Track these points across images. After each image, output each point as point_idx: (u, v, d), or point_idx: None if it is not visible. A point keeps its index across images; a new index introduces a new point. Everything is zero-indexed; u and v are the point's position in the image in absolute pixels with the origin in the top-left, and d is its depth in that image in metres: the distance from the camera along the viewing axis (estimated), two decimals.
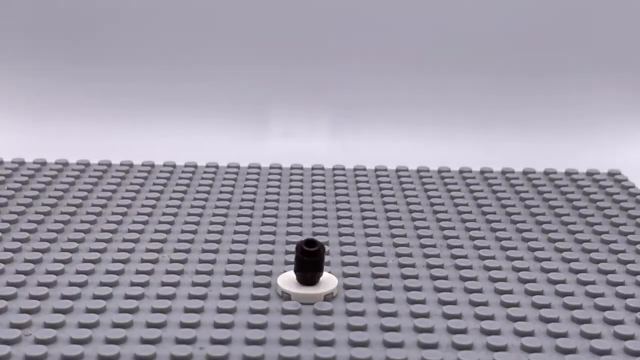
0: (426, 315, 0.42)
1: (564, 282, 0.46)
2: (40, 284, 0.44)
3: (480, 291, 0.45)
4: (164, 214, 0.54)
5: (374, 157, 0.68)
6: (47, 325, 0.40)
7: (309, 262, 0.43)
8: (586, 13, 0.76)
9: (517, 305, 0.43)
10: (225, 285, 0.45)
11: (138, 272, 0.46)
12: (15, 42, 0.76)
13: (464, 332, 0.41)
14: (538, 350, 0.39)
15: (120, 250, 0.49)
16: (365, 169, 0.65)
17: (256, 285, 0.45)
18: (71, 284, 0.44)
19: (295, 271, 0.44)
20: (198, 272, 0.46)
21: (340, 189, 0.60)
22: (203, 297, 0.43)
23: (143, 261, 0.47)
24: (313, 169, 0.65)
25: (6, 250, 0.48)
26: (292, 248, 0.48)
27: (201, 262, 0.47)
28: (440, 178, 0.64)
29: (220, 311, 0.42)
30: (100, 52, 0.76)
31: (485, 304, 0.43)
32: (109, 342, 0.39)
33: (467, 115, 0.76)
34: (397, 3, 0.76)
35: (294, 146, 0.74)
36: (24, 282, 0.44)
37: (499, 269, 0.48)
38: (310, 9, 0.76)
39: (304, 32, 0.76)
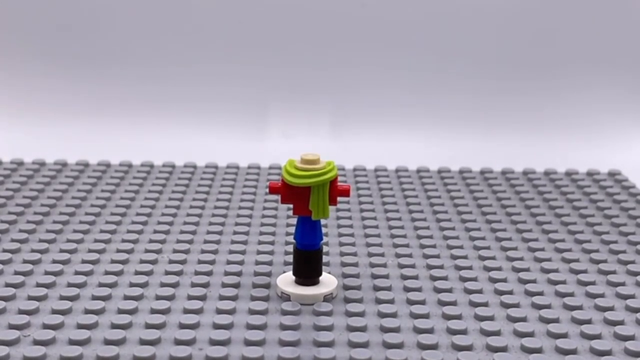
0: (426, 316, 0.42)
1: (564, 282, 0.46)
2: (39, 285, 0.44)
3: (480, 291, 0.45)
4: (163, 214, 0.54)
5: (373, 157, 0.68)
6: (46, 326, 0.40)
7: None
8: (586, 13, 0.76)
9: (517, 305, 0.43)
10: (224, 285, 0.44)
11: (137, 273, 0.46)
12: (15, 42, 0.76)
13: (463, 332, 0.40)
14: (538, 350, 0.39)
15: (119, 251, 0.49)
16: (365, 169, 0.65)
17: (255, 286, 0.45)
18: (70, 285, 0.44)
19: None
20: (197, 273, 0.46)
21: None
22: (202, 298, 0.43)
23: (142, 262, 0.47)
24: None
25: (4, 250, 0.48)
26: (291, 249, 0.48)
27: (200, 262, 0.47)
28: (440, 178, 0.63)
29: (220, 312, 0.42)
30: (99, 52, 0.76)
31: (485, 304, 0.43)
32: (108, 342, 0.39)
33: (467, 115, 0.76)
34: (397, 3, 0.76)
35: (294, 146, 0.73)
36: (22, 282, 0.44)
37: (499, 269, 0.48)
38: (310, 8, 0.76)
39: (304, 32, 0.76)
